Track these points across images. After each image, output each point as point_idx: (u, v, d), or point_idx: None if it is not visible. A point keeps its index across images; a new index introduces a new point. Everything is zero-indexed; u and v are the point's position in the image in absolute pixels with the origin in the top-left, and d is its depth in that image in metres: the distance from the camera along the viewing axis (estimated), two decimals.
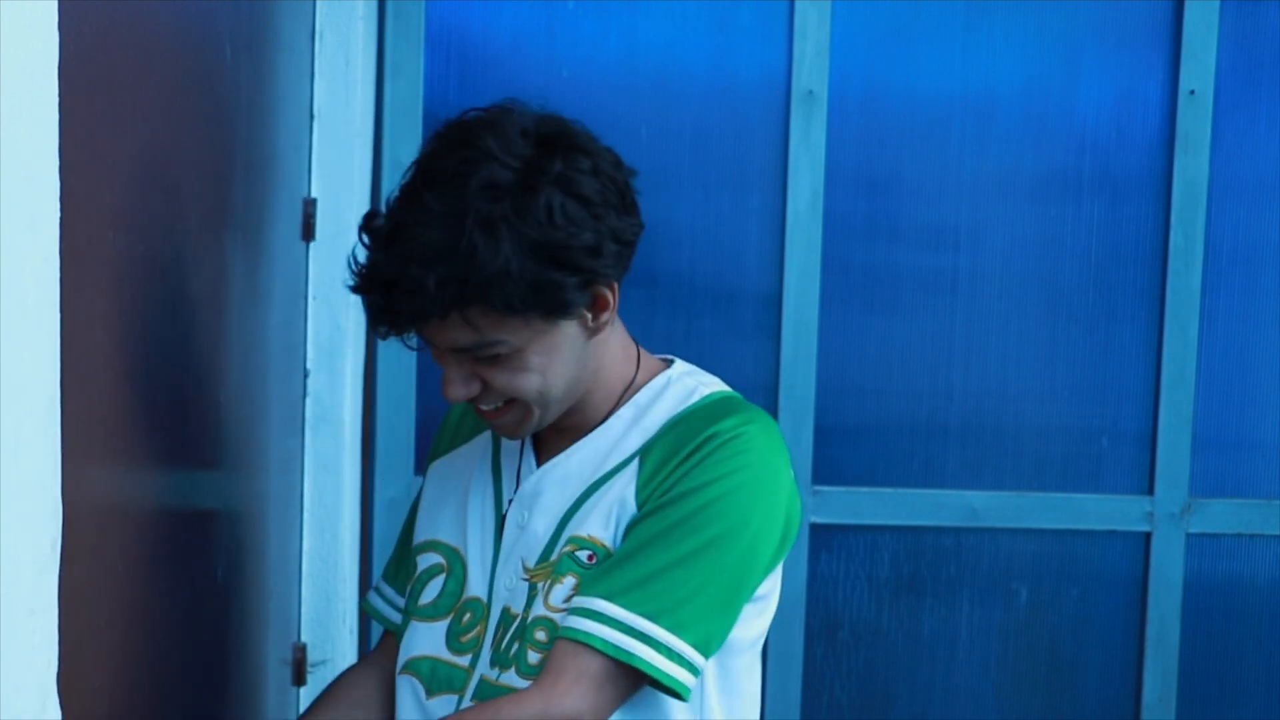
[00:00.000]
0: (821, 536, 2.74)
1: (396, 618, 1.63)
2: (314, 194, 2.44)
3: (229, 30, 1.71)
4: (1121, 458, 2.78)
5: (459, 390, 1.41)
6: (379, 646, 1.68)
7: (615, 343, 1.50)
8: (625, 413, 1.49)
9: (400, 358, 2.61)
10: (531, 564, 1.48)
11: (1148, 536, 2.78)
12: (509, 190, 1.34)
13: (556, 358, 1.41)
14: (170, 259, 1.43)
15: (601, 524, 1.44)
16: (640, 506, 1.43)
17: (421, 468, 2.65)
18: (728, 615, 1.42)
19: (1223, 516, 2.78)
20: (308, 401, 2.49)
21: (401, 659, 1.55)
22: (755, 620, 1.50)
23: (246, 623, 1.95)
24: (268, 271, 2.05)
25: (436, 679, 1.52)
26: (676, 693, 1.39)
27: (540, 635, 1.44)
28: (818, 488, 2.71)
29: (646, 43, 2.67)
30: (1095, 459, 2.78)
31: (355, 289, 1.40)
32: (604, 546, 1.44)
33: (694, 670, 1.39)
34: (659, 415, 1.48)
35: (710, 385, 1.53)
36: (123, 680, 1.29)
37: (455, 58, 2.65)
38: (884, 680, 2.82)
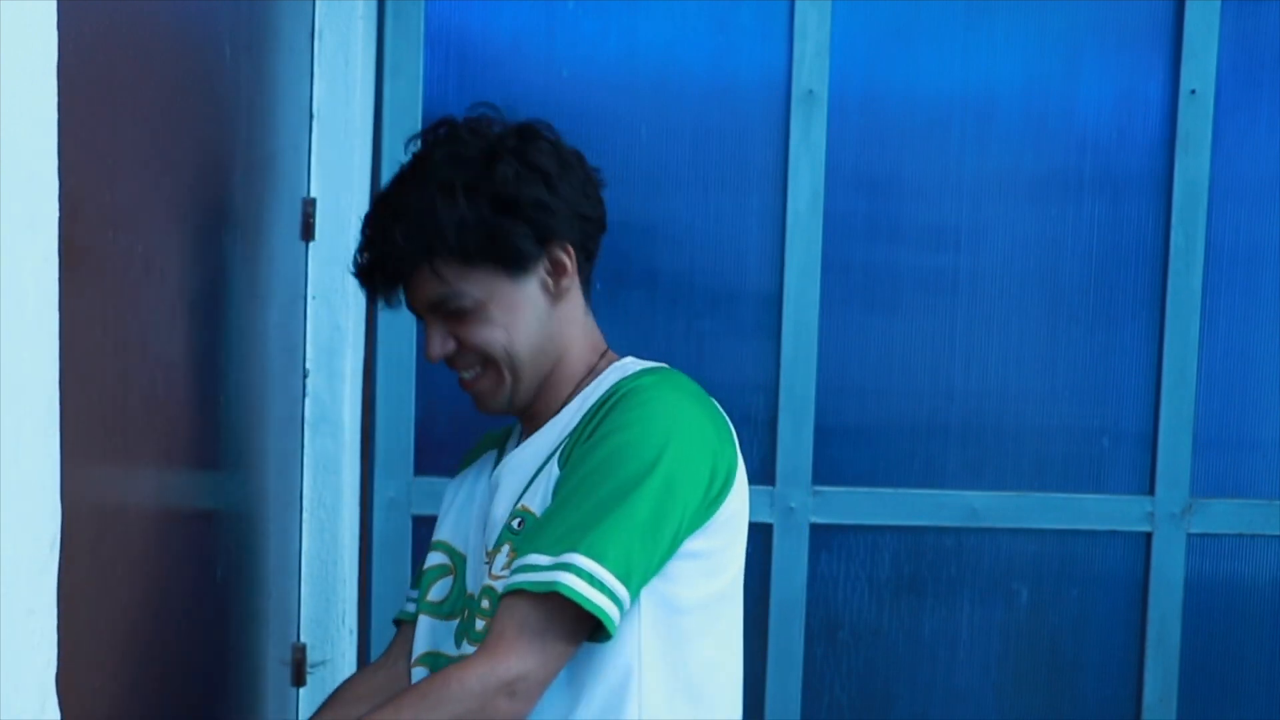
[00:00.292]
0: (821, 536, 2.74)
1: (410, 609, 1.73)
2: (313, 194, 2.44)
3: (229, 30, 1.71)
4: (1122, 458, 2.78)
5: (436, 347, 1.57)
6: (396, 641, 1.74)
7: (581, 326, 1.63)
8: (574, 401, 1.60)
9: (400, 358, 2.62)
10: (490, 548, 1.57)
11: (1148, 537, 2.78)
12: (468, 161, 1.53)
13: (519, 315, 1.56)
14: (170, 259, 1.43)
15: (537, 495, 1.53)
16: (562, 468, 1.52)
17: (421, 468, 2.67)
18: (648, 551, 1.44)
19: (1223, 517, 2.78)
20: (307, 401, 2.49)
21: (415, 651, 1.64)
22: (701, 581, 1.51)
23: (246, 623, 1.95)
24: (267, 271, 2.05)
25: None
26: (603, 626, 1.40)
27: (485, 604, 1.53)
28: (818, 488, 2.71)
29: (646, 43, 2.67)
30: (1096, 459, 2.78)
31: (355, 258, 1.60)
32: (532, 513, 1.52)
33: (614, 599, 1.40)
34: (597, 394, 1.58)
35: (647, 365, 1.63)
36: (122, 680, 1.29)
37: (455, 57, 2.65)
38: (884, 680, 2.81)
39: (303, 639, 2.52)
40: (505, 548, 1.52)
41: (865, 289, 2.73)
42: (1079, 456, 2.78)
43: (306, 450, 2.50)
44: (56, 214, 0.95)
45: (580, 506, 1.44)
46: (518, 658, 1.39)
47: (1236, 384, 2.78)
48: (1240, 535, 2.80)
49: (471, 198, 1.51)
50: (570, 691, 1.48)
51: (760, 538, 2.72)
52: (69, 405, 0.99)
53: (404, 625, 1.73)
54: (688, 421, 1.51)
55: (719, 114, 2.68)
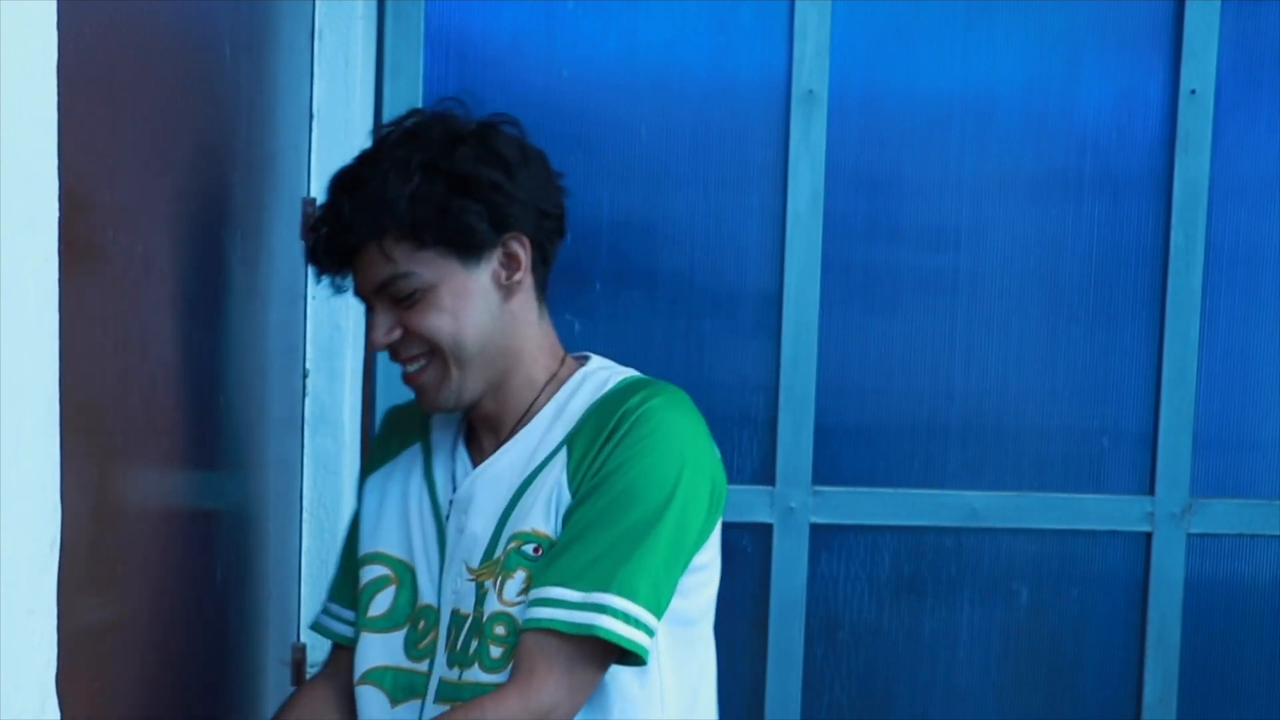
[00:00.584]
0: (821, 536, 2.74)
1: (350, 632, 1.66)
2: (313, 194, 2.44)
3: (229, 30, 1.71)
4: (1122, 458, 2.78)
5: (381, 334, 1.52)
6: (330, 662, 1.71)
7: (536, 328, 1.58)
8: (548, 410, 1.56)
9: None
10: (475, 564, 1.54)
11: (1148, 537, 2.78)
12: (431, 143, 1.49)
13: (469, 303, 1.51)
14: (170, 259, 1.43)
15: (542, 517, 1.51)
16: (574, 493, 1.50)
17: None
18: (670, 578, 1.49)
19: (1223, 517, 2.78)
20: (307, 402, 2.49)
21: (358, 670, 1.61)
22: (700, 592, 1.57)
23: (246, 623, 1.95)
24: (267, 271, 2.05)
25: (399, 687, 1.58)
26: (637, 655, 1.45)
27: (500, 630, 1.50)
28: (818, 488, 2.71)
29: (646, 43, 2.67)
30: (1096, 459, 2.78)
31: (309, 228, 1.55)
32: (547, 537, 1.50)
33: (649, 631, 1.45)
34: (578, 406, 1.55)
35: (623, 373, 1.60)
36: (122, 680, 1.29)
37: (455, 58, 2.65)
38: (884, 680, 2.81)
39: (303, 639, 2.51)
40: (519, 573, 1.50)
41: (865, 289, 2.73)
42: (1079, 456, 2.78)
43: (306, 450, 2.50)
44: (56, 214, 0.95)
45: (604, 539, 1.46)
46: (549, 693, 1.42)
47: (1236, 384, 2.78)
48: (1240, 535, 2.80)
49: (427, 175, 1.47)
50: (604, 703, 1.52)
51: (760, 538, 2.72)
52: (69, 405, 0.99)
53: (340, 648, 1.69)
54: (695, 446, 1.53)
55: (719, 114, 2.68)
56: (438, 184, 1.47)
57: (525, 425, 1.57)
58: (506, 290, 1.54)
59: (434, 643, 1.56)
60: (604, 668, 1.47)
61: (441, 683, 1.54)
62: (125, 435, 1.28)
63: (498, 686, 1.46)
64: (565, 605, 1.44)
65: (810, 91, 2.65)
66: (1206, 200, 2.71)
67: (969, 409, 2.76)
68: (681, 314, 2.71)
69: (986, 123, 2.72)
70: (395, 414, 1.75)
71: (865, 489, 2.75)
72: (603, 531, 1.46)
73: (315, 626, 1.74)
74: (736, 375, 2.72)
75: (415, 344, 1.53)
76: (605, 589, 1.43)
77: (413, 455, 1.66)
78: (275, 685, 2.24)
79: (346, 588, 1.68)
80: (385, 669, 1.59)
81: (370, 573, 1.62)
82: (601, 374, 1.58)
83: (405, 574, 1.60)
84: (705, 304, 2.71)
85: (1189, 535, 2.77)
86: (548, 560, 1.48)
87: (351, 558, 1.68)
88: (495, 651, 1.50)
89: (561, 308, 2.66)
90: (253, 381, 1.94)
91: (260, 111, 1.98)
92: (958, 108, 2.71)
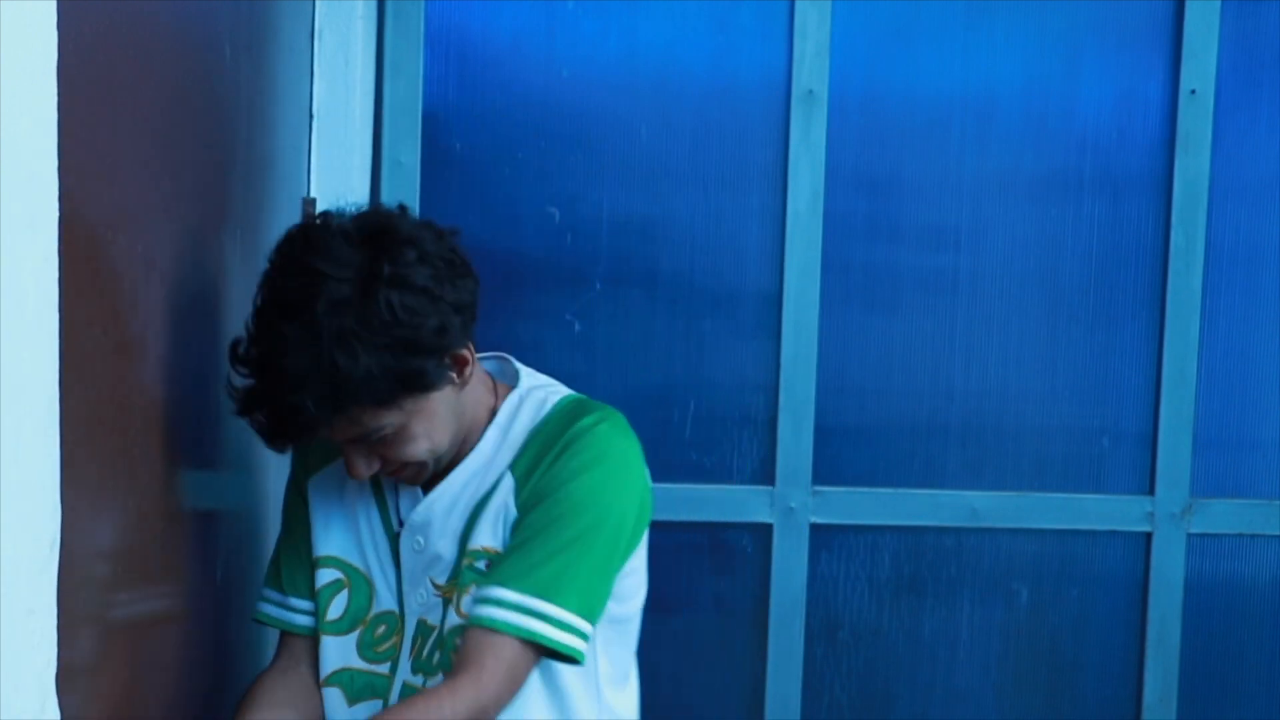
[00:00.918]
0: (821, 536, 2.74)
1: (294, 619, 1.73)
2: (313, 194, 2.44)
3: (229, 30, 1.71)
4: (1122, 458, 2.78)
5: (363, 470, 1.59)
6: (284, 654, 1.74)
7: (478, 380, 1.65)
8: (491, 434, 1.66)
9: None
10: (442, 582, 1.65)
11: (1148, 537, 2.78)
12: (350, 303, 1.47)
13: (438, 421, 1.58)
14: (171, 259, 1.43)
15: (490, 534, 1.62)
16: (520, 508, 1.61)
17: None
18: (604, 587, 1.63)
19: (1223, 517, 2.78)
20: None
21: (323, 673, 1.70)
22: (634, 597, 1.72)
23: (246, 623, 1.95)
24: None
25: (356, 686, 1.69)
26: (573, 658, 1.59)
27: (459, 641, 1.61)
28: (818, 488, 2.71)
29: (646, 43, 2.67)
30: (1096, 459, 2.78)
31: (240, 413, 1.53)
32: (496, 552, 1.62)
33: (584, 636, 1.59)
34: (520, 429, 1.65)
35: (557, 392, 1.70)
36: (122, 680, 1.29)
37: (455, 57, 2.65)
38: (884, 680, 2.81)
39: None
40: (473, 588, 1.61)
41: (865, 289, 2.73)
42: (1079, 456, 2.78)
43: None
44: (56, 214, 0.95)
45: (547, 547, 1.58)
46: (496, 686, 1.55)
47: (1236, 384, 2.78)
48: (1240, 535, 2.80)
49: (370, 348, 1.46)
50: (552, 695, 1.66)
51: (760, 538, 2.72)
52: (69, 405, 0.99)
53: (293, 637, 1.73)
54: (630, 465, 1.64)
55: (719, 114, 2.68)
56: (385, 357, 1.48)
57: (471, 451, 1.65)
58: (460, 384, 1.60)
59: (395, 647, 1.68)
60: (537, 661, 1.60)
61: (405, 686, 1.66)
62: (126, 435, 1.27)
63: (447, 677, 1.57)
64: (509, 606, 1.56)
65: (810, 91, 2.65)
66: (1206, 200, 2.71)
67: (969, 409, 2.76)
68: (681, 314, 2.71)
69: (986, 123, 2.72)
70: None
71: (865, 489, 2.75)
72: (544, 541, 1.58)
73: (265, 617, 1.75)
74: (736, 375, 2.72)
75: (394, 464, 1.60)
76: (546, 597, 1.56)
77: None
78: None
79: (300, 577, 1.72)
80: (344, 670, 1.69)
81: (325, 576, 1.70)
82: (537, 394, 1.68)
83: (359, 579, 1.69)
84: (705, 304, 2.71)
85: (1189, 535, 2.77)
86: (494, 565, 1.60)
87: (301, 551, 1.72)
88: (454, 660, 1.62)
89: (561, 308, 2.66)
90: None
91: (260, 111, 1.98)
92: (958, 108, 2.71)
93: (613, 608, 1.66)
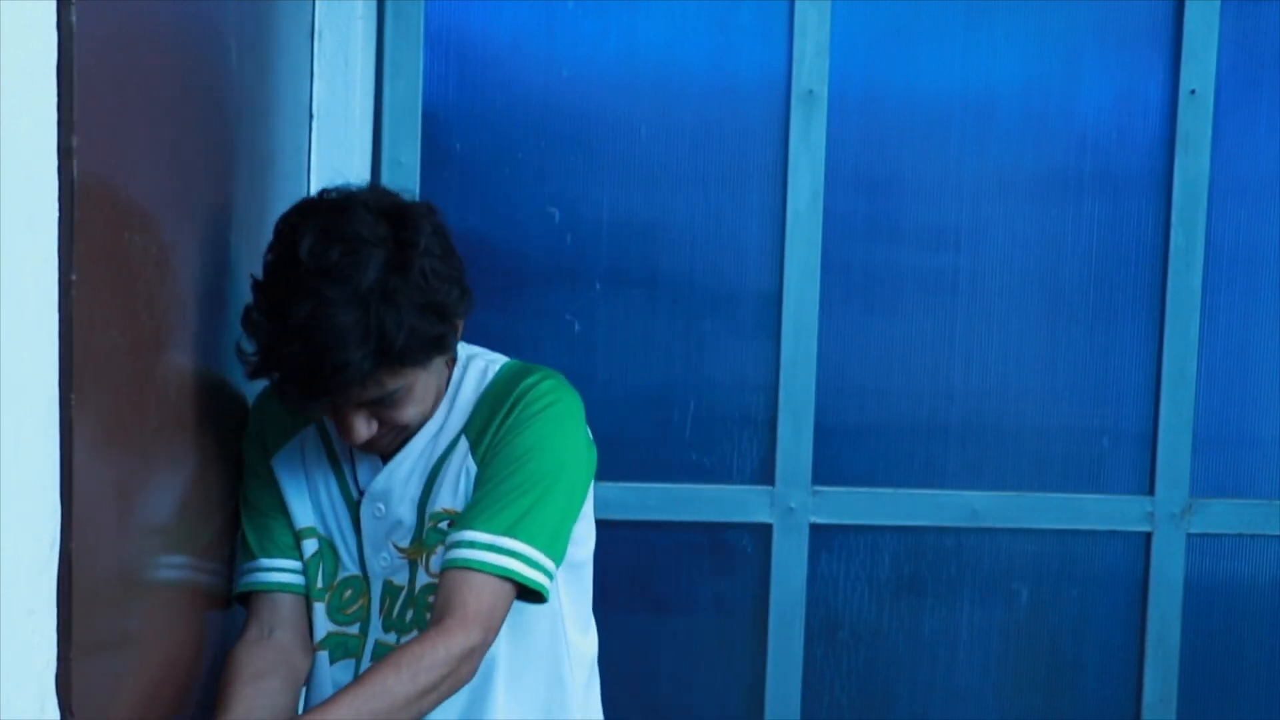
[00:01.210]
0: (821, 536, 2.74)
1: (265, 577, 1.75)
2: (313, 193, 2.43)
3: (234, 30, 1.71)
4: (1122, 458, 2.78)
5: (362, 432, 1.64)
6: (248, 622, 1.76)
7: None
8: (442, 403, 1.73)
9: None
10: (405, 545, 1.72)
11: (1148, 537, 2.78)
12: (393, 268, 1.56)
13: (430, 385, 1.68)
14: (182, 259, 1.43)
15: (450, 495, 1.70)
16: (479, 463, 1.69)
17: None
18: (565, 527, 1.71)
19: (1223, 516, 2.78)
20: None
21: (316, 638, 1.76)
22: (586, 541, 1.81)
23: None
24: None
25: (335, 649, 1.75)
26: (539, 593, 1.65)
27: (431, 599, 1.67)
28: (818, 488, 2.71)
29: (646, 43, 2.67)
30: (1096, 459, 2.78)
31: (272, 375, 1.59)
32: (457, 513, 1.69)
33: (548, 574, 1.66)
34: (467, 397, 1.73)
35: (496, 360, 1.78)
36: (122, 680, 1.29)
37: (455, 57, 2.65)
38: (884, 680, 2.81)
39: None
40: (440, 548, 1.68)
41: (865, 289, 2.73)
42: (1079, 456, 2.78)
43: None
44: (56, 214, 0.95)
45: (511, 492, 1.65)
46: (482, 625, 1.59)
47: (1236, 383, 2.78)
48: (1240, 535, 2.80)
49: (411, 311, 1.56)
50: (516, 632, 1.73)
51: (760, 538, 2.72)
52: (86, 405, 0.99)
53: (260, 603, 1.75)
54: (577, 416, 1.74)
55: (719, 114, 2.68)
56: (423, 320, 1.57)
57: (428, 421, 1.72)
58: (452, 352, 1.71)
59: (364, 608, 1.74)
60: (511, 601, 1.65)
61: (378, 644, 1.72)
62: (142, 434, 1.28)
63: (430, 623, 1.61)
64: (482, 547, 1.62)
65: (810, 91, 2.65)
66: (1206, 200, 2.71)
67: (969, 409, 2.76)
68: (681, 314, 2.71)
69: (986, 123, 2.72)
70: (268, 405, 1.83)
71: (865, 489, 2.75)
72: (511, 484, 1.65)
73: (258, 585, 1.75)
74: (736, 375, 2.72)
75: (390, 427, 1.67)
76: (516, 535, 1.63)
77: (310, 437, 1.78)
78: None
79: (269, 540, 1.75)
80: (330, 635, 1.75)
81: (310, 546, 1.76)
82: (479, 363, 1.76)
83: (327, 547, 1.76)
84: (705, 304, 2.71)
85: (1189, 535, 2.77)
86: (461, 514, 1.67)
87: (270, 517, 1.76)
88: (430, 616, 1.67)
89: (561, 308, 2.66)
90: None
91: (260, 111, 1.98)
92: (958, 108, 2.71)
93: (571, 550, 1.73)
